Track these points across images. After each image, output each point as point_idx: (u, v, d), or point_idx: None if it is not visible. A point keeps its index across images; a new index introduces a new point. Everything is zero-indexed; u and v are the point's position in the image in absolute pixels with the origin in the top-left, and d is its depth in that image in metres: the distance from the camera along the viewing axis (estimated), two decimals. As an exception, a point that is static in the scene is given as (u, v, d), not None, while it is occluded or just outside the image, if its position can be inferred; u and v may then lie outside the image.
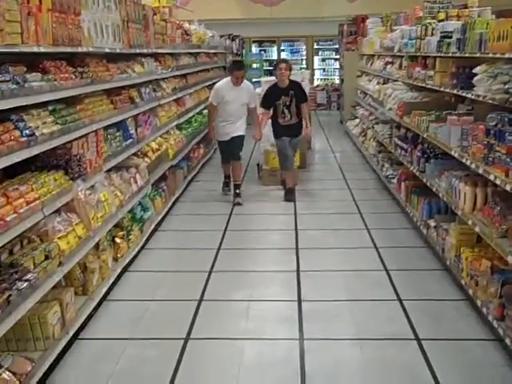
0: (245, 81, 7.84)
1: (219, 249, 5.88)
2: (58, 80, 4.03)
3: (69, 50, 4.24)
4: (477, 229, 4.40)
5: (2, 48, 3.23)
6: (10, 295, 3.09)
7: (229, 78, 7.80)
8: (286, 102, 7.80)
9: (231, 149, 7.87)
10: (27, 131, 3.57)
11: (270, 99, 7.94)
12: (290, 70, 7.88)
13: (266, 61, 18.76)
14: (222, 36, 14.62)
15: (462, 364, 3.74)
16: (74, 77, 4.35)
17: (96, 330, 4.27)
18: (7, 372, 3.08)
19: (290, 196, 7.89)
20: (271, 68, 17.69)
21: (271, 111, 7.99)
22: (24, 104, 3.54)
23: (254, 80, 15.83)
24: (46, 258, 3.63)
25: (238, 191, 7.84)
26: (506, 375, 3.61)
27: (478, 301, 4.24)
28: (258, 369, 3.75)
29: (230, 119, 7.76)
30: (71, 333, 3.93)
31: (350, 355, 3.89)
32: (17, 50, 3.43)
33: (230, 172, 8.17)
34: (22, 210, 3.37)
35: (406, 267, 5.38)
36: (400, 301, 4.66)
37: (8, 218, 3.20)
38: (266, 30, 18.05)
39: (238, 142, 7.84)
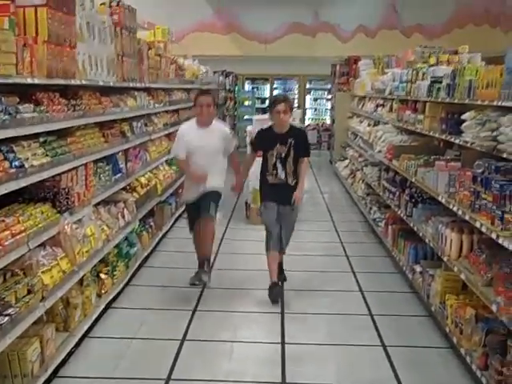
0: (216, 121, 6.09)
1: (204, 287, 5.82)
2: (50, 112, 4.03)
3: (62, 82, 4.26)
4: (462, 276, 4.41)
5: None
6: (-11, 330, 3.05)
7: (193, 120, 5.96)
8: (281, 154, 5.63)
9: (201, 203, 5.73)
10: (17, 163, 3.55)
11: (261, 145, 5.85)
12: (291, 110, 5.81)
13: (258, 98, 18.90)
14: (215, 72, 14.75)
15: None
16: (66, 109, 4.36)
17: (76, 368, 4.19)
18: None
19: (274, 293, 5.59)
20: (263, 106, 17.94)
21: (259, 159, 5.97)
22: (15, 135, 3.54)
23: (245, 117, 15.93)
24: (29, 292, 3.58)
25: (205, 268, 5.67)
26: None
27: (462, 349, 4.22)
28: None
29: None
30: (50, 370, 3.85)
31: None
32: (11, 81, 3.44)
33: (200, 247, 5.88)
34: (7, 243, 3.33)
35: (391, 312, 5.36)
36: (384, 346, 4.63)
37: (-8, 251, 3.17)
38: (260, 67, 18.21)
39: (210, 195, 5.72)
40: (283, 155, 5.64)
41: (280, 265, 5.93)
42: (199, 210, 5.69)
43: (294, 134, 5.71)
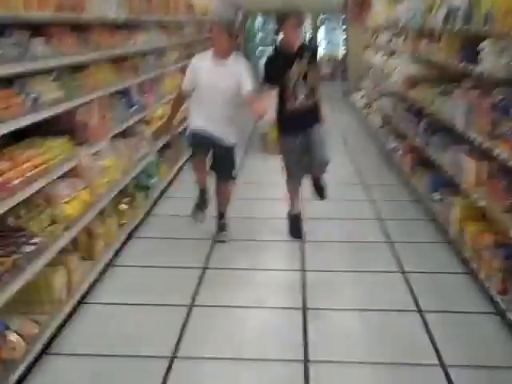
0: (236, 55, 5.17)
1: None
2: (61, 46, 3.98)
3: (72, 16, 4.16)
4: (481, 203, 4.40)
5: (3, 14, 3.17)
6: (17, 258, 3.11)
7: (209, 51, 5.16)
8: (300, 73, 4.99)
9: (216, 163, 5.26)
10: (32, 96, 3.53)
11: (276, 70, 5.03)
12: (301, 25, 5.22)
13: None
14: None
15: (462, 336, 3.75)
16: (77, 43, 4.30)
17: (101, 295, 4.29)
18: (15, 334, 3.10)
19: (295, 228, 5.48)
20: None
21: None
22: (28, 70, 3.50)
23: (259, 49, 15.65)
24: (52, 222, 3.64)
25: (222, 221, 5.43)
26: (506, 349, 3.63)
27: (481, 274, 4.26)
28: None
29: (209, 119, 5.05)
30: (77, 297, 3.95)
31: (352, 325, 3.93)
32: (19, 17, 3.37)
33: (205, 181, 5.36)
34: (28, 174, 3.35)
35: (410, 239, 5.39)
36: (403, 272, 4.68)
37: (14, 182, 3.19)
38: (271, 1, 17.81)
39: (224, 154, 5.20)
40: (303, 73, 5.01)
41: (317, 181, 5.49)
42: (212, 159, 5.23)
43: (307, 48, 5.13)
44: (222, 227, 5.38)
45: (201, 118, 5.06)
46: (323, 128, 5.21)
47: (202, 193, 5.42)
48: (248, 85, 4.97)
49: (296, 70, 5.00)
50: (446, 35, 5.94)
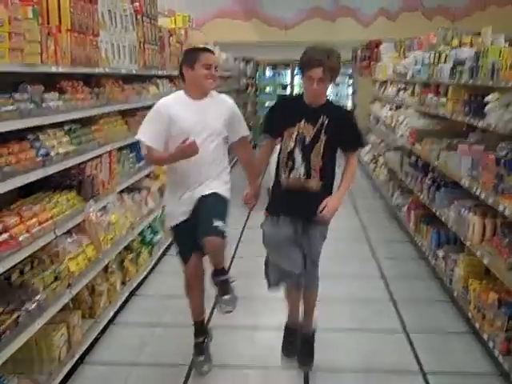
0: (219, 94, 4.11)
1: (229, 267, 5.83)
2: (74, 100, 4.09)
3: (86, 70, 4.31)
4: (485, 260, 4.39)
5: (21, 67, 3.30)
6: (18, 316, 3.12)
7: (180, 91, 4.07)
8: (304, 137, 3.73)
9: (200, 217, 3.81)
10: (43, 151, 3.61)
11: (280, 118, 3.86)
12: (333, 77, 3.69)
13: (279, 85, 18.82)
14: (235, 59, 14.72)
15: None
16: (90, 97, 4.42)
17: (101, 354, 4.27)
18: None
19: (287, 344, 4.22)
20: (284, 92, 17.83)
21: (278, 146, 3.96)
22: (41, 124, 3.60)
23: (266, 104, 15.84)
24: (56, 279, 3.65)
25: (223, 278, 3.94)
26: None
27: (485, 334, 4.22)
28: None
29: (190, 177, 3.88)
30: (77, 356, 3.94)
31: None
32: (36, 70, 3.50)
33: (201, 306, 4.19)
34: (34, 230, 3.39)
35: (413, 297, 5.36)
36: (405, 331, 4.64)
37: (21, 238, 3.23)
38: (280, 53, 18.15)
39: (210, 201, 3.86)
40: (307, 139, 3.71)
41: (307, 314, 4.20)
42: (196, 234, 3.73)
43: (330, 110, 3.77)
44: (224, 288, 3.92)
45: (178, 197, 3.92)
46: (323, 230, 3.92)
47: (200, 332, 4.15)
48: (243, 129, 4.12)
49: (299, 130, 3.74)
50: (453, 88, 6.01)
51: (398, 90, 9.67)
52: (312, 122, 3.74)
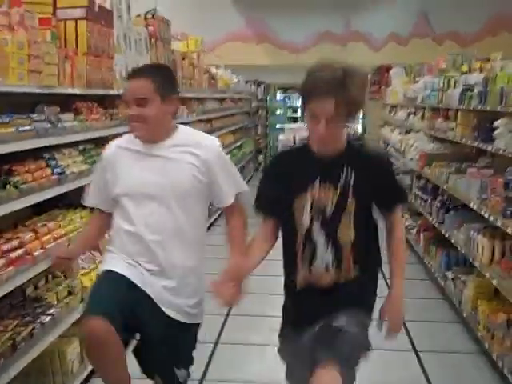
0: (197, 133, 3.02)
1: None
2: (89, 121, 4.19)
3: (101, 92, 4.42)
4: (494, 282, 4.42)
5: (39, 89, 3.40)
6: (33, 328, 3.18)
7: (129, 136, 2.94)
8: (324, 206, 2.52)
9: (153, 356, 2.89)
10: (58, 169, 3.70)
11: (280, 186, 2.61)
12: (351, 115, 2.46)
13: (289, 108, 18.99)
14: (247, 81, 14.90)
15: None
16: (104, 118, 4.51)
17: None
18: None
19: None
20: (295, 115, 17.97)
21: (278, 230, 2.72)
22: (57, 143, 3.69)
23: (277, 126, 15.97)
24: (69, 293, 3.72)
25: None
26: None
27: (494, 354, 4.24)
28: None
29: (144, 256, 2.79)
30: (89, 368, 3.97)
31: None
32: (53, 92, 3.60)
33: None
34: (49, 246, 3.47)
35: (423, 318, 5.38)
36: (415, 351, 4.66)
37: (36, 253, 3.29)
38: (291, 76, 18.28)
39: (172, 336, 2.81)
40: (328, 209, 2.52)
41: None
42: (124, 319, 2.61)
43: (355, 158, 2.57)
44: None
45: (121, 260, 2.80)
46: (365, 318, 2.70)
47: None
48: (231, 190, 2.88)
49: (315, 195, 2.51)
50: (462, 113, 6.08)
51: (408, 115, 9.76)
52: (331, 180, 2.51)
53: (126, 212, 2.80)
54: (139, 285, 2.72)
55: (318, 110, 2.40)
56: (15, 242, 3.17)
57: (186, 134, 2.91)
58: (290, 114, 18.52)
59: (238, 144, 12.43)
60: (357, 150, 2.64)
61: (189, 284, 2.85)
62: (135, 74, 2.81)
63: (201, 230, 2.98)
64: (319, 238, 2.53)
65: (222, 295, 2.52)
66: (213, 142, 2.92)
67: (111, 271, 2.75)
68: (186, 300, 2.84)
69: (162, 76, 2.83)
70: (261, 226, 2.71)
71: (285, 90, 19.85)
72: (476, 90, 5.47)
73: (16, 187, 3.11)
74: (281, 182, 2.61)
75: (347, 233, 2.53)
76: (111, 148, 2.99)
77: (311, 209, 2.52)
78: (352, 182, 2.52)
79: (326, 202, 2.51)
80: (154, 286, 2.75)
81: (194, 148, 2.80)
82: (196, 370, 4.18)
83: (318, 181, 2.52)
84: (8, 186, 3.06)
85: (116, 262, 2.79)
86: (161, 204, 2.75)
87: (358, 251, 2.56)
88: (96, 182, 3.03)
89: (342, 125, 2.48)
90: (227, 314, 5.31)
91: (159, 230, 2.76)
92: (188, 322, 2.86)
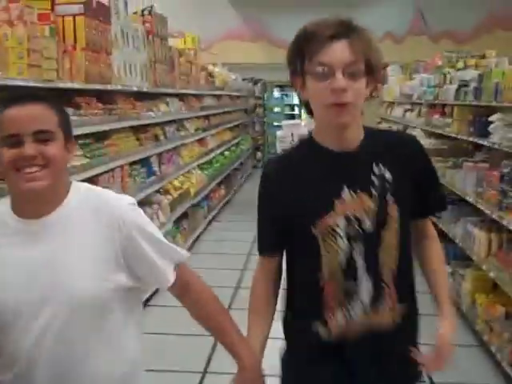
0: (100, 192, 1.88)
1: (238, 287, 5.94)
2: (88, 116, 4.21)
3: (100, 87, 4.44)
4: (492, 274, 4.45)
5: (39, 83, 3.42)
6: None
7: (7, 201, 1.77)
8: (359, 221, 1.79)
9: None
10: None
11: (289, 215, 1.83)
12: (373, 75, 1.84)
13: (286, 105, 19.01)
14: (244, 79, 14.91)
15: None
16: (103, 113, 4.54)
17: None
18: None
19: None
20: (292, 112, 17.98)
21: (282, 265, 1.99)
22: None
23: (275, 123, 15.99)
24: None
25: None
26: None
27: (492, 346, 4.27)
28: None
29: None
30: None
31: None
32: (53, 86, 3.62)
33: None
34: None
35: (421, 312, 5.37)
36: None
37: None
38: (288, 74, 18.34)
39: None
40: (368, 224, 1.81)
41: None
42: None
43: (381, 148, 1.90)
44: None
45: None
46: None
47: None
48: (166, 266, 1.99)
49: (347, 210, 1.82)
50: (458, 109, 6.12)
51: (405, 111, 9.79)
52: (362, 186, 1.83)
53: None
54: None
55: (331, 58, 1.70)
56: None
57: (90, 194, 1.87)
58: (287, 111, 18.54)
59: (236, 141, 12.46)
60: (378, 136, 1.98)
61: None
62: (29, 97, 1.76)
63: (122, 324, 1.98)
64: (360, 268, 1.83)
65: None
66: (127, 200, 1.90)
67: None
68: None
69: (63, 111, 1.86)
70: (261, 268, 2.05)
71: (282, 87, 19.88)
72: (471, 86, 5.51)
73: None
74: (287, 201, 1.85)
75: (389, 254, 1.86)
76: None
77: (345, 228, 1.80)
78: (388, 185, 1.83)
79: (361, 217, 1.80)
80: None
81: (100, 214, 1.82)
82: (199, 362, 4.26)
83: (345, 190, 1.81)
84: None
85: None
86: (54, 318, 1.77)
87: (401, 283, 1.94)
88: None
89: (362, 88, 1.81)
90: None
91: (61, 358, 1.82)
92: None
